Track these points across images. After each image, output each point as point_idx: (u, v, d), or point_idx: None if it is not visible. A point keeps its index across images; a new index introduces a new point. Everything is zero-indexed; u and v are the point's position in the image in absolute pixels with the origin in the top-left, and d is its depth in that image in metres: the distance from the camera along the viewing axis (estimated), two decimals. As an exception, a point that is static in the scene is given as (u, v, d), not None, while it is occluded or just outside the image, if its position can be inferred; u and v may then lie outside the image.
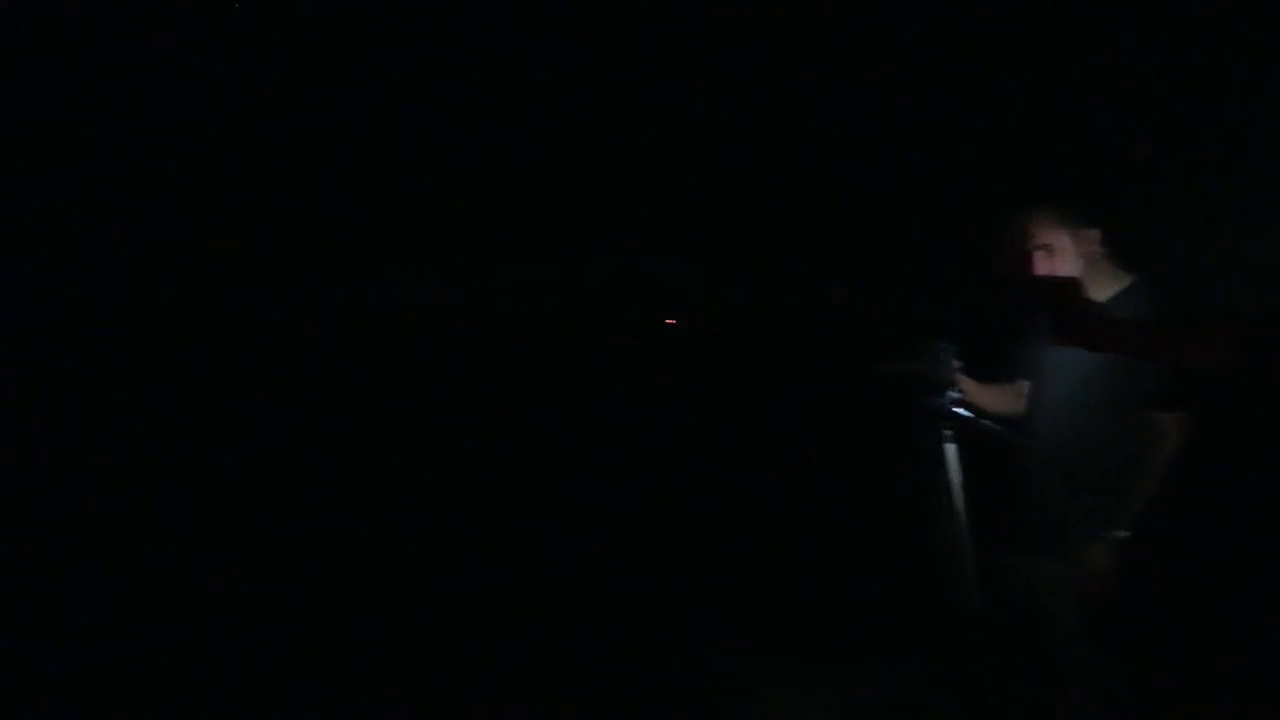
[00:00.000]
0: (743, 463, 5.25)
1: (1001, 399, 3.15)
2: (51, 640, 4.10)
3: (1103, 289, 2.92)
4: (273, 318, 5.75)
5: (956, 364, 3.07)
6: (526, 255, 5.76)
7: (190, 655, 4.07)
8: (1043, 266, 2.92)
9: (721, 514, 5.11)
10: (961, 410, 3.06)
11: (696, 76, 5.23)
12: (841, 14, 4.91)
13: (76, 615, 4.30)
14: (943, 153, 4.92)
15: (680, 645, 4.45)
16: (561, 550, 5.03)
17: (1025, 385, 3.12)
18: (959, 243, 4.21)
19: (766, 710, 3.88)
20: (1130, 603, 2.85)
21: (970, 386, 3.10)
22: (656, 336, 5.76)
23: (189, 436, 5.28)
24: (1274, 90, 4.10)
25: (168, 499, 5.01)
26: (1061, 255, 2.92)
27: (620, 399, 5.51)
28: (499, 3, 5.07)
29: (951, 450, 3.04)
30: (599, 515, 5.21)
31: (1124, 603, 2.83)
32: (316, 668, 4.05)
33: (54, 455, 5.06)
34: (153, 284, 5.59)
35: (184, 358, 5.51)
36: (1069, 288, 2.82)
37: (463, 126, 5.48)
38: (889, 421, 3.44)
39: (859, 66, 4.98)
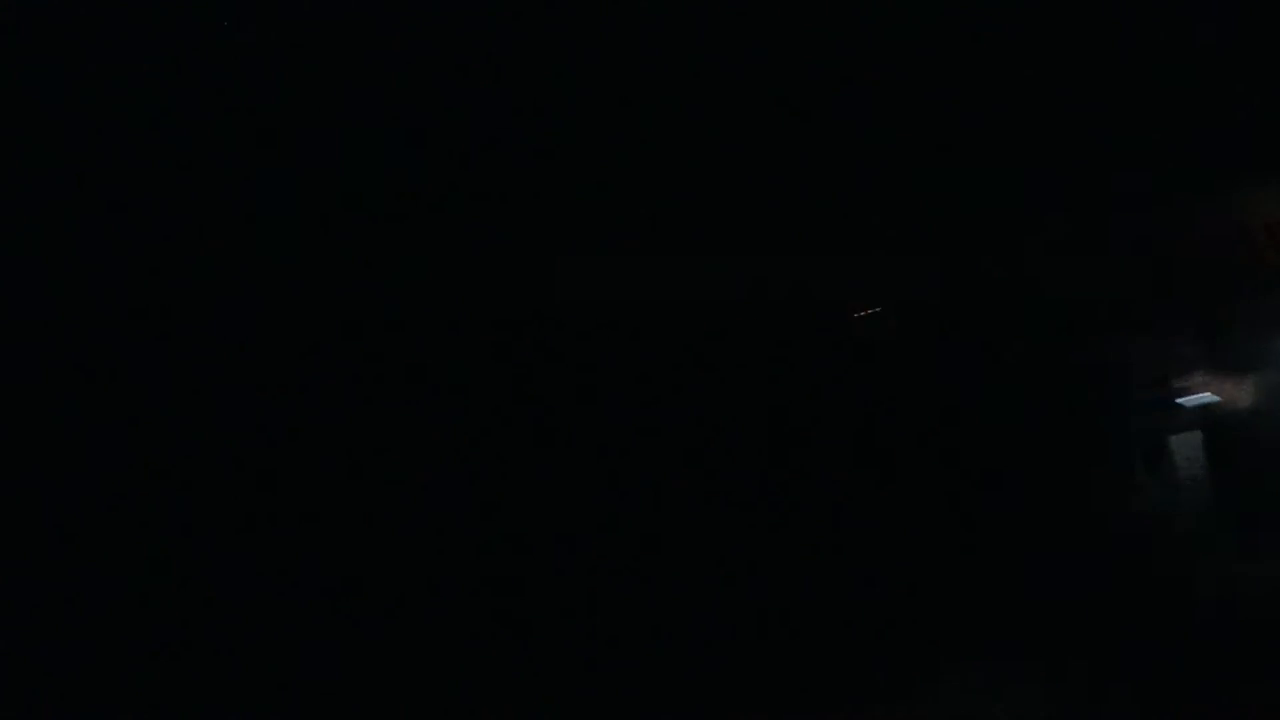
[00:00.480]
0: (966, 452, 5.12)
1: (1246, 389, 2.94)
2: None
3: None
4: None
5: (1194, 353, 2.89)
6: (724, 248, 5.78)
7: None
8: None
9: (935, 504, 5.00)
10: (1199, 400, 2.89)
11: (916, 78, 5.12)
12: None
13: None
14: (1178, 121, 4.61)
15: (870, 638, 4.39)
16: (766, 541, 5.05)
17: (1274, 373, 2.90)
18: (1200, 222, 3.94)
19: (978, 705, 3.79)
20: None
21: (1212, 378, 2.91)
22: (853, 327, 5.67)
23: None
24: None
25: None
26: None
27: (815, 389, 5.46)
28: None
29: (1188, 443, 2.87)
30: (808, 505, 5.20)
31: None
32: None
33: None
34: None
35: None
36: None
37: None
38: (1122, 414, 3.28)
39: (1083, 43, 4.74)
